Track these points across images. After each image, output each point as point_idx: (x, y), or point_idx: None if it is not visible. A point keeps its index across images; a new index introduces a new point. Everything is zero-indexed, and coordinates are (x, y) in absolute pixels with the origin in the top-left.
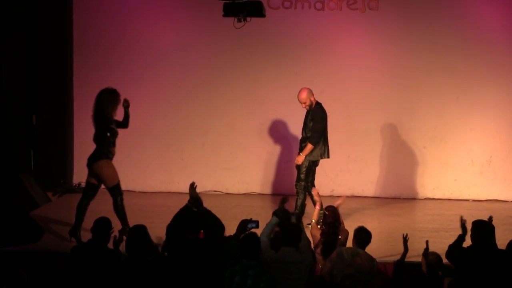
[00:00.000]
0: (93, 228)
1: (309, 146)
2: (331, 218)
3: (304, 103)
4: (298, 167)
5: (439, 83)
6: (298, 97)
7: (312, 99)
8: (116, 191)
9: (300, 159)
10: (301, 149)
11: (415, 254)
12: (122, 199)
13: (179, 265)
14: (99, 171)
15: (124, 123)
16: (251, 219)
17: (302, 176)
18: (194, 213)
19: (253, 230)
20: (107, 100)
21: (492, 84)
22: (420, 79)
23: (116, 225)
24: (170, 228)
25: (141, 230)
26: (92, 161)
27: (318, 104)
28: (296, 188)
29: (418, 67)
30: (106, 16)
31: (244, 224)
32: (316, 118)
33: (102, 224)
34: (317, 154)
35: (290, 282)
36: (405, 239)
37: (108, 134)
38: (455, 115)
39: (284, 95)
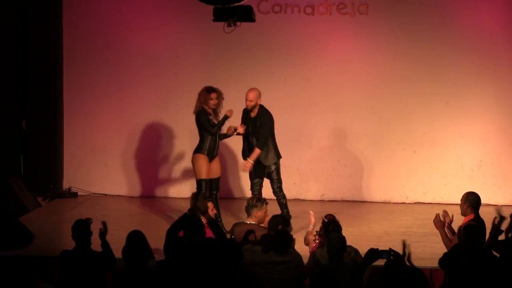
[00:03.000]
0: (72, 235)
1: (258, 151)
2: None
3: (251, 101)
4: (270, 174)
5: (429, 88)
6: (247, 94)
7: (259, 101)
8: (198, 186)
9: (249, 165)
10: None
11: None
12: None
13: (177, 270)
14: (192, 162)
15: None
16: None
17: (276, 179)
18: (195, 220)
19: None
20: (199, 96)
21: (482, 90)
22: (410, 84)
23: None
24: (170, 233)
25: (138, 236)
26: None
27: (263, 107)
28: (281, 193)
29: (408, 72)
30: (96, 21)
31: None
32: (265, 122)
33: (79, 228)
34: (272, 157)
35: (280, 282)
36: (404, 244)
37: (205, 129)
38: (445, 120)
39: (274, 100)
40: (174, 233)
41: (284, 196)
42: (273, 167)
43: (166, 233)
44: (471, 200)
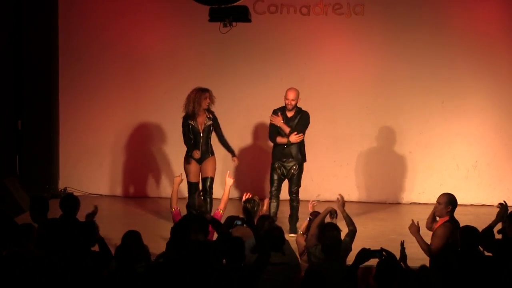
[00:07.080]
0: (60, 206)
1: (289, 129)
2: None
3: (293, 100)
4: (292, 175)
5: (424, 88)
6: (288, 94)
7: (298, 101)
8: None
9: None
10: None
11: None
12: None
13: (174, 269)
14: None
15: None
16: (238, 216)
17: (296, 181)
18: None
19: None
20: (189, 97)
21: (477, 89)
22: (406, 84)
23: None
24: (175, 230)
25: (134, 236)
26: None
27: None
28: (297, 196)
29: (404, 72)
30: (91, 21)
31: (231, 220)
32: (307, 122)
33: (69, 201)
34: (303, 155)
35: (278, 284)
36: (403, 246)
37: (186, 132)
38: (440, 120)
39: (270, 100)
40: (180, 230)
41: (298, 200)
42: (296, 167)
43: (171, 231)
44: (454, 203)
